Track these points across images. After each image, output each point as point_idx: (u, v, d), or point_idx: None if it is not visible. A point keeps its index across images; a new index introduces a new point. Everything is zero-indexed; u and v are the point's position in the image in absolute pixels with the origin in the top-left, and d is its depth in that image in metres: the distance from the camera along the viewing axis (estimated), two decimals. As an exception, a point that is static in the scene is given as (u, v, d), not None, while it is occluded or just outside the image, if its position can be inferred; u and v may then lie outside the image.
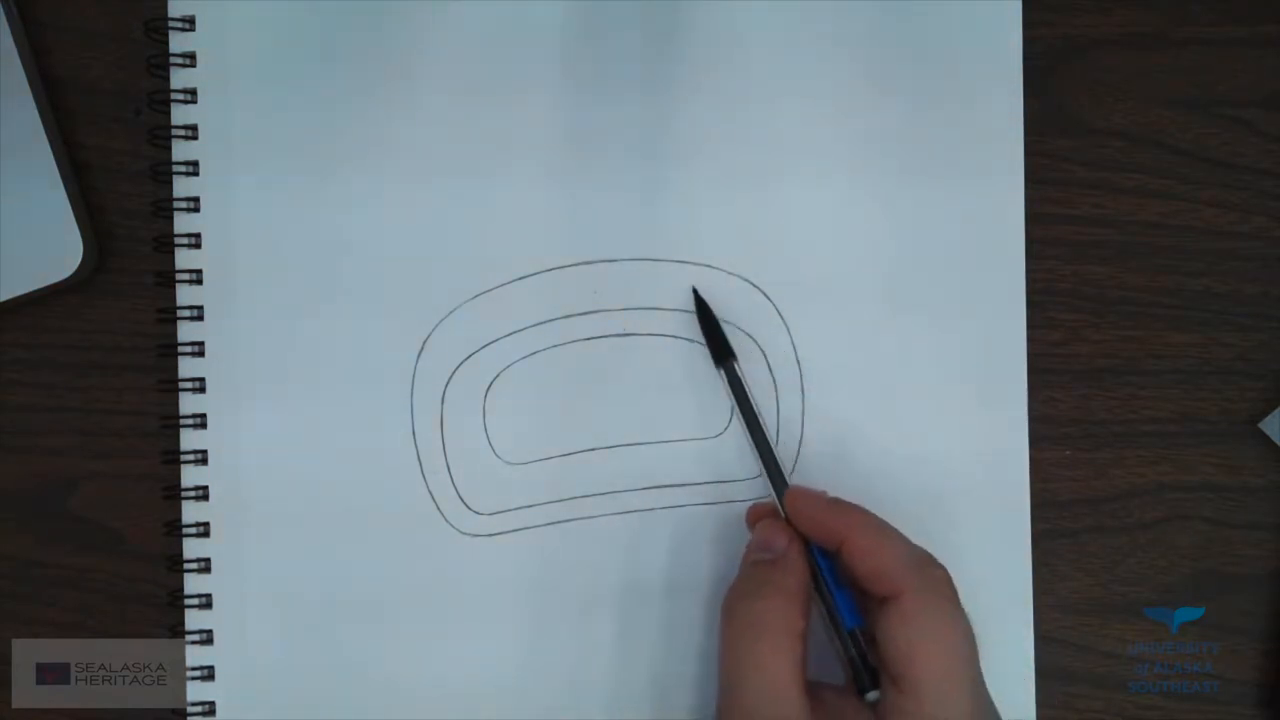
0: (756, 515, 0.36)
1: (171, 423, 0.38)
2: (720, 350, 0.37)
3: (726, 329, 0.38)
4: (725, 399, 0.38)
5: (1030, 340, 0.38)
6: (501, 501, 0.38)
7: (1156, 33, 0.39)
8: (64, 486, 0.39)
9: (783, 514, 0.35)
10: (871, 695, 0.32)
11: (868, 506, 0.37)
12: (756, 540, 0.34)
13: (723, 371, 0.37)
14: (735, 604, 0.32)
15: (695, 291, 0.37)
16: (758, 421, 0.36)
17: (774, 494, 0.35)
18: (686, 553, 0.38)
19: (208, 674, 0.38)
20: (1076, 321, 0.39)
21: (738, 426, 0.38)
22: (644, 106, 0.38)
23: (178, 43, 0.38)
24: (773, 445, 0.36)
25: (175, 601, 0.38)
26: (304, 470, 0.38)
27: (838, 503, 0.34)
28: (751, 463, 0.37)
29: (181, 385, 0.38)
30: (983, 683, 0.31)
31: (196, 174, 0.38)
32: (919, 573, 0.31)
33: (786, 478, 0.36)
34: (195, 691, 0.38)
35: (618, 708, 0.37)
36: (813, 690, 0.31)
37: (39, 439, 0.39)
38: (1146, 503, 0.39)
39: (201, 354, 0.38)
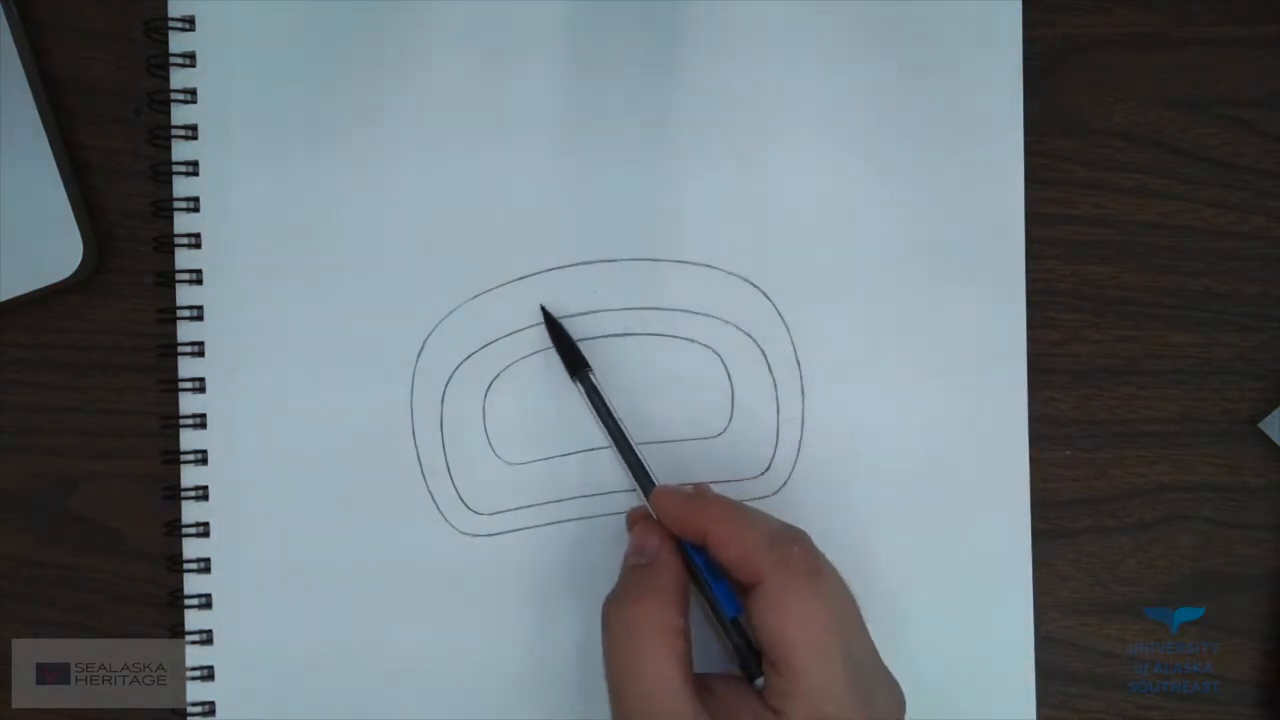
0: (634, 519, 0.35)
1: (171, 423, 0.38)
2: (573, 362, 0.37)
3: (727, 329, 0.38)
4: (725, 399, 0.38)
5: (1030, 340, 0.38)
6: (501, 501, 0.38)
7: (1156, 33, 0.39)
8: (64, 486, 0.39)
9: (654, 515, 0.35)
10: (759, 682, 0.32)
11: (868, 507, 0.37)
12: (632, 545, 0.34)
13: (579, 382, 0.36)
14: (612, 610, 0.32)
15: (544, 309, 0.37)
16: (619, 427, 0.36)
17: (642, 496, 0.35)
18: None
19: (208, 674, 0.38)
20: (1076, 321, 0.39)
21: (738, 426, 0.38)
22: (645, 100, 0.38)
23: (178, 43, 0.38)
24: (636, 449, 0.36)
25: (175, 601, 0.38)
26: (303, 470, 0.38)
27: (699, 496, 0.34)
28: (754, 462, 0.38)
29: (181, 385, 0.38)
30: (863, 646, 0.32)
31: (196, 174, 0.38)
32: (774, 553, 0.31)
33: (654, 479, 0.35)
34: (195, 691, 0.38)
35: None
36: (704, 683, 0.31)
37: (39, 439, 0.39)
38: (1146, 503, 0.39)
39: (201, 354, 0.38)
